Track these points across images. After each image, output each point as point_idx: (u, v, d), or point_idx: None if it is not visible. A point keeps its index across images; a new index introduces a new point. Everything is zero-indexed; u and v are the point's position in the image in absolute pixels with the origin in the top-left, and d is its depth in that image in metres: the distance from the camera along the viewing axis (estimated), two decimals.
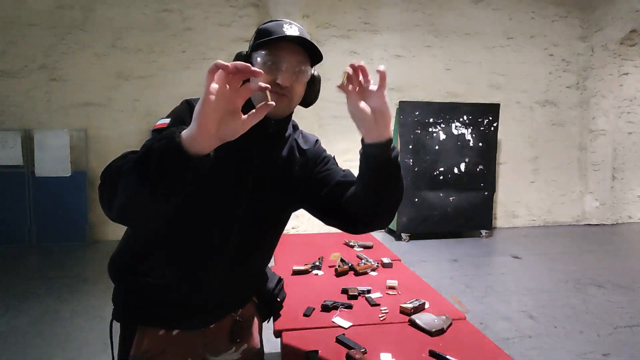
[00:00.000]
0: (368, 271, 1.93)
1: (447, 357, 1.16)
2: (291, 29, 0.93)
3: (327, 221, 1.11)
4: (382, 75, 0.89)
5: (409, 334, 1.33)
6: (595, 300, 3.43)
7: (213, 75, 0.67)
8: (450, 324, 1.38)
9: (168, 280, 1.02)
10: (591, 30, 6.32)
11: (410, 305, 1.47)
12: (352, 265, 1.95)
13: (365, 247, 2.36)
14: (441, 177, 5.40)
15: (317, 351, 1.21)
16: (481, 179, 5.52)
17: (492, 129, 5.53)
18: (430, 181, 5.36)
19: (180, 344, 1.08)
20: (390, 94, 5.05)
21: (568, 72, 6.42)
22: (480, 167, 5.51)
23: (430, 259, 4.63)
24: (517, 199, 6.36)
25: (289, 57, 0.93)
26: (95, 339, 2.68)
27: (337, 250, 2.16)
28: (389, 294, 1.66)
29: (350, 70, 0.90)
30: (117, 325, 1.08)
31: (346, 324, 1.39)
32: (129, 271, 1.04)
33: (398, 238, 5.41)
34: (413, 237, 5.40)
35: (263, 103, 0.71)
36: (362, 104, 0.91)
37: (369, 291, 1.66)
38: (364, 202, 0.99)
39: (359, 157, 0.99)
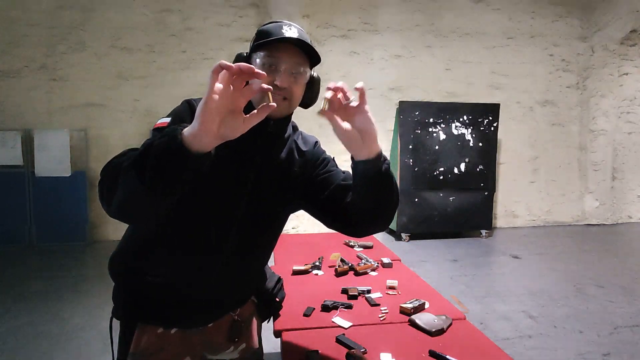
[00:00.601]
0: (368, 271, 1.93)
1: (447, 357, 1.16)
2: (290, 31, 0.94)
3: (327, 223, 1.12)
4: (362, 92, 0.90)
5: (409, 334, 1.33)
6: (595, 300, 3.43)
7: (217, 75, 0.68)
8: (450, 324, 1.38)
9: (167, 279, 1.03)
10: (591, 30, 6.32)
11: (410, 305, 1.47)
12: (352, 265, 1.95)
13: (365, 247, 2.36)
14: (441, 177, 5.39)
15: (317, 351, 1.21)
16: (481, 179, 5.52)
17: (492, 129, 5.53)
18: (430, 181, 5.36)
19: (178, 342, 1.09)
20: (390, 94, 5.08)
21: (568, 72, 6.42)
22: (480, 167, 5.51)
23: (430, 259, 4.63)
24: (517, 199, 6.36)
25: (288, 58, 0.93)
26: (95, 339, 2.68)
27: (337, 250, 2.16)
28: (389, 294, 1.66)
29: (329, 95, 0.90)
30: (117, 323, 1.09)
31: (346, 324, 1.39)
32: (128, 270, 1.05)
33: (398, 238, 5.41)
34: (413, 237, 5.40)
35: (264, 104, 0.72)
36: (346, 125, 0.92)
37: (369, 291, 1.66)
38: (361, 210, 1.01)
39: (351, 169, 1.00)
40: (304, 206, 1.14)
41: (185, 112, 0.96)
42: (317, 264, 2.00)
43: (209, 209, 1.00)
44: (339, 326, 1.38)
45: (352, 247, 2.37)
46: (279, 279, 1.36)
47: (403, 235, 5.37)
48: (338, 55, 5.70)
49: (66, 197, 5.02)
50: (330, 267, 1.99)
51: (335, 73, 5.67)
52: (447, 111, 5.38)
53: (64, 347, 2.60)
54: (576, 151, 6.54)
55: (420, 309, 1.49)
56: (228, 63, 0.67)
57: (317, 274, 1.91)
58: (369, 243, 2.39)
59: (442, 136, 5.38)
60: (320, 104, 1.01)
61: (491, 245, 5.29)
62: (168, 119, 0.94)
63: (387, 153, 5.85)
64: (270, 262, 1.79)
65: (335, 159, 1.19)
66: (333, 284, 1.78)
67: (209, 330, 1.13)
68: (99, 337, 2.70)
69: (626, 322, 3.03)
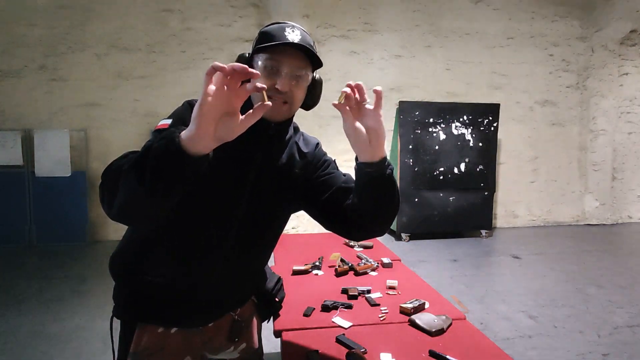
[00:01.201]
0: (368, 271, 1.93)
1: (447, 357, 1.16)
2: (293, 33, 0.94)
3: (327, 225, 1.12)
4: (379, 95, 0.91)
5: (409, 334, 1.33)
6: (595, 300, 3.43)
7: (211, 77, 0.68)
8: (450, 324, 1.38)
9: (167, 279, 1.03)
10: (591, 30, 6.32)
11: (410, 305, 1.47)
12: (352, 265, 1.95)
13: (365, 247, 2.36)
14: (441, 177, 5.39)
15: (317, 351, 1.21)
16: (481, 179, 5.52)
17: (492, 129, 5.53)
18: (430, 181, 5.36)
19: (179, 342, 1.09)
20: (390, 94, 5.08)
21: (568, 72, 6.42)
22: (480, 167, 5.51)
23: (430, 259, 4.63)
24: (517, 199, 6.36)
25: (289, 62, 0.93)
26: (95, 339, 2.68)
27: (337, 250, 2.16)
28: (389, 294, 1.66)
29: (348, 90, 0.91)
30: (117, 323, 1.09)
31: (346, 324, 1.39)
32: (129, 269, 1.05)
33: (398, 238, 5.41)
34: (413, 237, 5.40)
35: (260, 103, 0.71)
36: (357, 124, 0.93)
37: (369, 291, 1.66)
38: (361, 213, 1.02)
39: (354, 160, 1.01)
40: (304, 207, 1.15)
41: (186, 113, 0.96)
42: (317, 264, 2.00)
43: (209, 209, 1.00)
44: (339, 326, 1.38)
45: (352, 247, 2.37)
46: (279, 279, 1.36)
47: (403, 235, 5.37)
48: (338, 55, 5.70)
49: (66, 197, 5.02)
50: (330, 267, 1.99)
51: (335, 73, 5.67)
52: (447, 111, 5.38)
53: (64, 347, 2.60)
54: (576, 151, 6.54)
55: (420, 309, 1.49)
56: (221, 64, 0.67)
57: (317, 274, 1.91)
58: (369, 243, 2.39)
59: (442, 136, 5.38)
60: (324, 103, 1.01)
61: (491, 245, 5.29)
62: (169, 121, 0.95)
63: (387, 153, 5.85)
64: (270, 262, 1.79)
65: (336, 160, 1.19)
66: (333, 284, 1.78)
67: (210, 330, 1.13)
68: (99, 337, 2.70)
69: (626, 322, 3.03)
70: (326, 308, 1.50)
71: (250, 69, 0.68)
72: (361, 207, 1.01)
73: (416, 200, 5.33)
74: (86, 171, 5.13)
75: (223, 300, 1.13)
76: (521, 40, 6.20)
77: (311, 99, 1.06)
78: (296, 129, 1.15)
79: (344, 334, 1.31)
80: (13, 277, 3.93)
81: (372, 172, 0.95)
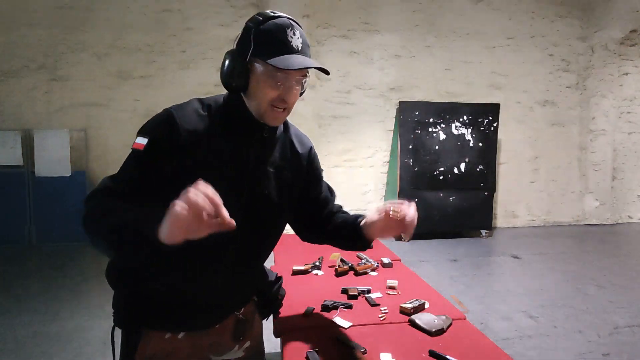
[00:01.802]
0: (368, 271, 1.93)
1: (447, 357, 1.16)
2: (295, 38, 0.94)
3: (293, 225, 1.29)
4: (409, 229, 1.13)
5: (409, 334, 1.33)
6: (595, 300, 3.43)
7: (191, 209, 0.72)
8: (450, 324, 1.38)
9: (172, 285, 1.02)
10: (591, 30, 6.32)
11: (410, 305, 1.47)
12: (352, 265, 1.95)
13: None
14: (441, 177, 5.39)
15: (317, 351, 1.21)
16: (481, 179, 5.52)
17: (492, 129, 5.53)
18: (430, 181, 5.36)
19: (187, 346, 1.08)
20: (390, 94, 5.09)
21: (568, 72, 6.42)
22: (480, 167, 5.51)
23: (430, 259, 4.63)
24: (517, 199, 6.36)
25: (297, 74, 0.94)
26: (95, 339, 2.69)
27: (337, 250, 2.16)
28: (389, 294, 1.66)
29: (397, 216, 1.09)
30: (117, 332, 1.08)
31: (346, 324, 1.39)
32: (129, 277, 1.03)
33: (398, 238, 5.41)
34: (413, 237, 5.37)
35: (222, 223, 0.77)
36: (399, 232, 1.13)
37: (369, 291, 1.66)
38: (327, 238, 1.28)
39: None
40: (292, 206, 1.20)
41: (164, 127, 0.93)
42: (317, 264, 1.99)
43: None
44: (339, 326, 1.38)
45: None
46: (278, 277, 1.36)
47: (403, 235, 5.36)
48: (338, 55, 5.70)
49: (66, 197, 5.01)
50: (330, 267, 1.99)
51: (335, 73, 5.67)
52: (447, 111, 5.38)
53: (64, 347, 2.60)
54: (576, 151, 6.54)
55: (420, 309, 1.49)
56: (201, 203, 0.72)
57: (317, 274, 1.91)
58: None
59: (442, 136, 5.38)
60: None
61: (491, 245, 5.29)
62: (145, 141, 0.93)
63: (387, 153, 5.86)
64: (270, 262, 1.79)
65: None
66: (333, 284, 1.77)
67: (215, 332, 1.13)
68: (99, 337, 2.70)
69: (626, 322, 3.03)
70: (326, 308, 1.49)
71: (228, 221, 0.77)
72: (333, 239, 1.27)
73: (416, 200, 5.30)
74: (86, 171, 5.13)
75: (227, 301, 1.13)
76: (521, 40, 6.20)
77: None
78: (285, 123, 1.15)
79: (344, 334, 1.30)
80: (13, 277, 3.93)
81: (366, 242, 1.19)
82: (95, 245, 0.91)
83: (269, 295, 1.30)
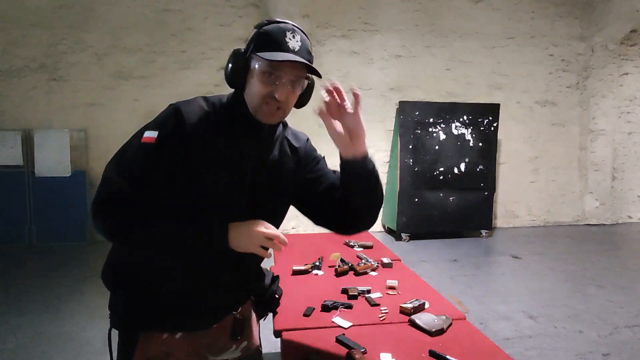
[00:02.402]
0: (368, 271, 1.93)
1: (447, 357, 1.16)
2: (293, 39, 0.95)
3: (316, 220, 1.17)
4: (357, 99, 0.97)
5: (409, 334, 1.33)
6: (595, 300, 3.43)
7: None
8: (450, 324, 1.38)
9: (170, 285, 1.03)
10: (591, 30, 6.32)
11: (410, 305, 1.47)
12: (352, 265, 1.95)
13: (365, 247, 2.36)
14: (441, 177, 5.39)
15: (317, 351, 1.21)
16: (481, 179, 5.52)
17: (492, 129, 5.53)
18: (430, 181, 5.36)
19: (184, 347, 1.08)
20: (390, 94, 5.09)
21: (568, 72, 6.42)
22: (480, 167, 5.51)
23: (430, 259, 4.63)
24: (517, 199, 6.36)
25: (289, 72, 0.95)
26: (95, 339, 2.69)
27: (337, 250, 2.16)
28: (389, 294, 1.66)
29: (326, 98, 0.98)
30: (115, 333, 1.08)
31: (346, 324, 1.39)
32: (126, 278, 1.04)
33: (398, 238, 5.41)
34: (413, 237, 5.40)
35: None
36: (338, 125, 1.00)
37: (369, 291, 1.66)
38: (347, 208, 1.09)
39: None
40: (293, 202, 1.17)
41: (171, 121, 0.96)
42: (317, 264, 2.00)
43: (208, 214, 1.00)
44: (339, 326, 1.38)
45: (352, 247, 2.37)
46: (275, 277, 1.36)
47: (403, 235, 5.37)
48: (338, 55, 5.70)
49: (66, 197, 5.02)
50: (330, 267, 1.99)
51: (335, 73, 5.67)
52: (447, 111, 5.38)
53: (64, 347, 2.60)
54: (576, 151, 6.54)
55: (420, 309, 1.49)
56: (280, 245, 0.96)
57: (317, 274, 1.91)
58: (369, 243, 2.39)
59: (442, 136, 5.38)
60: (312, 105, 1.05)
61: (491, 245, 5.29)
62: (155, 134, 0.95)
63: (387, 153, 5.85)
64: (270, 262, 1.79)
65: (325, 158, 1.23)
66: (333, 284, 1.78)
67: (213, 332, 1.13)
68: (99, 337, 2.70)
69: (626, 322, 3.03)
70: (326, 308, 1.50)
71: (283, 241, 0.97)
72: (347, 202, 1.07)
73: (416, 200, 5.33)
74: (86, 171, 5.13)
75: (225, 302, 1.13)
76: (521, 40, 6.20)
77: (303, 99, 1.08)
78: (284, 124, 1.16)
79: (344, 334, 1.31)
80: (13, 277, 3.93)
81: (355, 168, 1.02)
82: (127, 247, 1.02)
83: (265, 294, 1.29)
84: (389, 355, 1.19)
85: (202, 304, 1.06)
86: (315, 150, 1.20)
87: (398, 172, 5.27)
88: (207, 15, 5.45)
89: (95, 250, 4.87)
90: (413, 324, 1.38)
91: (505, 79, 6.20)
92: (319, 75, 1.00)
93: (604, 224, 6.46)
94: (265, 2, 5.27)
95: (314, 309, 1.50)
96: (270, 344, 2.10)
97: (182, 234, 0.93)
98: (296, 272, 1.91)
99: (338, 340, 1.27)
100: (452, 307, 1.56)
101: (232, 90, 1.04)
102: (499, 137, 5.68)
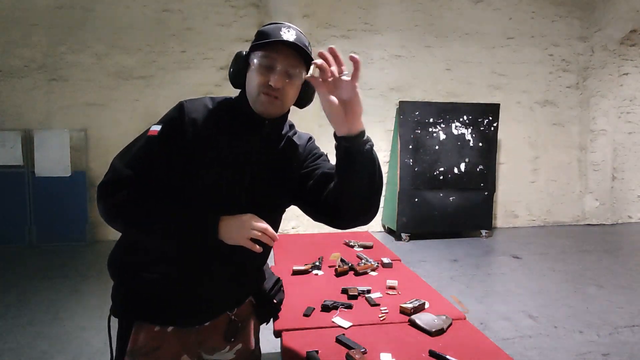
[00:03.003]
0: (368, 271, 1.93)
1: (447, 357, 1.16)
2: (288, 33, 0.97)
3: (313, 215, 1.11)
4: (357, 64, 0.90)
5: (409, 334, 1.33)
6: (595, 300, 3.43)
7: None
8: (450, 324, 1.38)
9: (164, 276, 1.04)
10: (591, 30, 6.32)
11: (410, 305, 1.47)
12: (352, 265, 1.95)
13: (365, 247, 2.36)
14: (441, 177, 5.39)
15: (317, 351, 1.21)
16: (481, 179, 5.52)
17: (492, 129, 5.53)
18: (430, 181, 5.36)
19: (175, 341, 1.09)
20: (390, 94, 5.08)
21: (568, 72, 6.42)
22: (480, 167, 5.51)
23: (430, 259, 4.63)
24: (517, 199, 6.36)
25: (283, 60, 0.96)
26: (95, 339, 2.69)
27: (337, 250, 2.16)
28: (389, 294, 1.66)
29: (319, 61, 0.90)
30: (115, 322, 1.10)
31: (346, 324, 1.39)
32: (126, 266, 1.06)
33: (398, 238, 5.41)
34: (413, 237, 5.40)
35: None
36: (332, 97, 0.92)
37: (369, 291, 1.66)
38: (342, 194, 0.98)
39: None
40: (293, 200, 1.14)
41: (177, 117, 1.01)
42: (317, 264, 2.00)
43: (207, 208, 1.00)
44: (339, 326, 1.38)
45: (352, 247, 2.37)
46: (278, 280, 1.35)
47: (403, 235, 5.37)
48: None
49: (66, 197, 5.02)
50: (330, 267, 1.99)
51: None
52: (447, 111, 5.38)
53: (64, 347, 2.60)
54: (576, 151, 6.54)
55: (420, 309, 1.49)
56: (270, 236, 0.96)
57: (317, 274, 1.91)
58: (369, 243, 2.40)
59: (442, 136, 5.38)
60: (313, 105, 1.04)
61: (491, 245, 5.29)
62: (158, 127, 1.01)
63: (387, 153, 5.85)
64: (270, 262, 1.79)
65: (328, 155, 1.19)
66: (333, 284, 1.78)
67: (206, 330, 1.13)
68: (99, 337, 2.70)
69: (626, 322, 3.03)
70: (326, 308, 1.50)
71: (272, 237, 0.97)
72: (343, 188, 0.98)
73: (416, 200, 5.33)
74: (86, 171, 5.13)
75: (220, 299, 1.13)
76: (521, 40, 6.20)
77: (305, 97, 1.08)
78: (291, 126, 1.17)
79: (344, 334, 1.31)
80: (13, 277, 3.93)
81: (350, 146, 0.93)
82: (123, 228, 1.01)
83: (266, 298, 1.28)
84: (389, 355, 1.19)
85: (193, 297, 1.06)
86: (316, 147, 1.18)
87: (398, 172, 5.27)
88: (207, 15, 5.45)
89: (95, 250, 4.87)
90: (413, 324, 1.38)
91: (505, 79, 6.20)
92: (311, 59, 0.99)
93: (604, 224, 6.46)
94: (265, 2, 5.27)
95: (314, 309, 1.50)
96: (270, 344, 2.10)
97: (174, 220, 0.95)
98: (296, 272, 1.91)
99: (338, 340, 1.27)
100: (452, 307, 1.56)
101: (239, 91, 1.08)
102: (499, 137, 5.68)
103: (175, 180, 0.99)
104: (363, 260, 2.03)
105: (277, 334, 1.37)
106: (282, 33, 0.96)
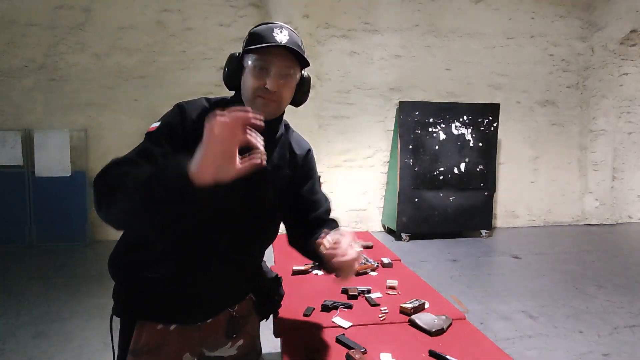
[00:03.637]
0: (368, 271, 1.93)
1: (447, 357, 1.16)
2: (281, 34, 0.98)
3: (285, 226, 1.28)
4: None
5: (409, 334, 1.33)
6: (595, 300, 3.43)
7: (217, 130, 0.74)
8: (450, 324, 1.38)
9: (165, 275, 1.04)
10: (591, 30, 6.32)
11: (410, 305, 1.47)
12: None
13: (365, 247, 2.36)
14: (441, 177, 5.39)
15: (317, 351, 1.21)
16: (481, 179, 5.52)
17: (492, 129, 5.53)
18: (430, 181, 5.36)
19: (177, 339, 1.09)
20: (390, 94, 5.10)
21: (568, 72, 6.42)
22: (480, 167, 5.51)
23: (430, 259, 4.63)
24: (517, 199, 6.36)
25: (278, 62, 0.97)
26: (95, 339, 2.69)
27: None
28: (389, 294, 1.66)
29: (325, 248, 1.01)
30: (116, 321, 1.10)
31: (346, 324, 1.39)
32: (127, 266, 1.06)
33: (398, 238, 5.41)
34: (413, 237, 5.40)
35: (254, 158, 0.79)
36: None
37: (369, 291, 1.66)
38: (300, 244, 1.26)
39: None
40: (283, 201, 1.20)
41: (175, 117, 1.00)
42: (317, 264, 1.99)
43: (203, 209, 1.01)
44: (339, 326, 1.38)
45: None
46: (277, 277, 1.36)
47: (403, 235, 5.37)
48: (338, 55, 5.70)
49: (66, 197, 5.02)
50: None
51: (335, 73, 5.67)
52: (447, 111, 5.38)
53: (64, 347, 2.60)
54: (576, 151, 6.54)
55: (420, 309, 1.49)
56: (224, 119, 0.74)
57: (317, 274, 1.91)
58: (369, 243, 2.39)
59: (442, 136, 5.38)
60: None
61: (491, 245, 5.29)
62: (157, 124, 1.00)
63: (387, 153, 5.86)
64: (270, 262, 1.79)
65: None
66: (333, 284, 1.77)
67: (207, 327, 1.14)
68: (99, 337, 2.70)
69: (626, 322, 3.03)
70: (326, 308, 1.49)
71: (252, 115, 0.76)
72: (303, 247, 1.25)
73: (416, 200, 5.33)
74: (86, 171, 5.13)
75: (220, 297, 1.14)
76: (521, 40, 6.20)
77: (300, 96, 1.10)
78: (287, 127, 1.18)
79: (344, 334, 1.30)
80: (13, 277, 3.93)
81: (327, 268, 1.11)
82: (117, 218, 0.89)
83: (266, 294, 1.30)
84: (389, 355, 1.19)
85: (195, 296, 1.07)
86: (314, 164, 1.23)
87: (398, 172, 5.27)
88: (207, 15, 5.45)
89: (95, 250, 4.87)
90: (413, 324, 1.38)
91: (505, 79, 6.20)
92: (308, 64, 1.02)
93: (604, 224, 6.46)
94: (265, 2, 5.27)
95: (314, 309, 1.50)
96: (270, 344, 2.10)
97: (149, 174, 0.82)
98: (296, 272, 1.91)
99: (338, 340, 1.27)
100: (452, 307, 1.56)
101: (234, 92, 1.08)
102: (499, 137, 5.68)
103: None
104: (363, 260, 2.03)
105: (277, 334, 1.37)
106: (275, 34, 0.97)
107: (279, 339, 1.36)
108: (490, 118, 5.50)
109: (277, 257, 2.16)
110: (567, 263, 4.49)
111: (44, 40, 5.15)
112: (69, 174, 4.97)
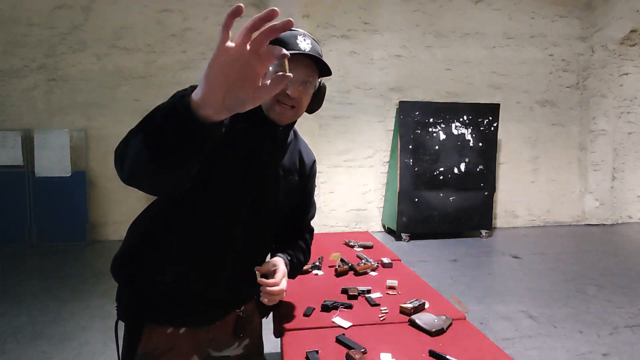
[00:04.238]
0: (368, 271, 1.93)
1: (447, 357, 1.16)
2: (304, 42, 0.99)
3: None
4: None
5: (409, 334, 1.33)
6: (595, 300, 3.43)
7: (228, 31, 0.54)
8: (450, 324, 1.38)
9: (176, 278, 1.04)
10: (591, 30, 6.32)
11: (410, 305, 1.47)
12: (352, 265, 1.95)
13: (365, 247, 2.36)
14: (441, 177, 5.39)
15: (317, 351, 1.21)
16: (481, 179, 5.52)
17: (492, 129, 5.53)
18: (430, 181, 5.36)
19: (187, 341, 1.10)
20: (390, 94, 5.09)
21: (568, 72, 6.42)
22: (480, 167, 5.51)
23: (430, 259, 4.63)
24: (517, 199, 6.36)
25: (300, 69, 0.98)
26: (95, 339, 2.68)
27: (337, 250, 2.16)
28: (389, 294, 1.66)
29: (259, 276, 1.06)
30: (121, 325, 1.09)
31: (346, 324, 1.39)
32: (135, 270, 1.05)
33: (398, 238, 5.40)
34: (413, 237, 5.39)
35: (280, 74, 0.56)
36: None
37: (369, 291, 1.66)
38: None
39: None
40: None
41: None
42: (317, 264, 1.99)
43: (216, 208, 1.02)
44: (339, 326, 1.38)
45: (352, 247, 2.37)
46: None
47: (403, 235, 5.37)
48: (338, 55, 5.70)
49: (66, 197, 5.02)
50: (330, 267, 1.99)
51: (335, 73, 5.66)
52: (447, 111, 5.38)
53: (64, 347, 2.60)
54: (576, 151, 6.54)
55: (420, 309, 1.49)
56: (242, 8, 0.54)
57: (317, 274, 1.91)
58: (369, 243, 2.39)
59: (442, 136, 5.38)
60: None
61: (491, 245, 5.29)
62: None
63: (387, 153, 5.86)
64: None
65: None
66: (333, 284, 1.77)
67: (216, 328, 1.15)
68: (99, 337, 2.70)
69: (626, 322, 3.03)
70: (326, 308, 1.49)
71: (282, 20, 0.53)
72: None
73: (416, 200, 5.33)
74: (86, 171, 5.13)
75: (230, 298, 1.15)
76: (521, 40, 6.20)
77: (315, 103, 1.10)
78: (296, 134, 1.20)
79: (344, 334, 1.30)
80: (13, 277, 3.93)
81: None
82: (122, 164, 0.76)
83: None
84: (389, 355, 1.19)
85: (205, 299, 1.07)
86: (315, 176, 1.28)
87: (398, 172, 5.27)
88: (207, 15, 5.45)
89: (95, 250, 4.87)
90: (413, 324, 1.37)
91: (505, 79, 6.20)
92: (330, 73, 1.04)
93: (604, 224, 6.46)
94: (265, 2, 5.27)
95: (314, 309, 1.50)
96: (270, 344, 2.10)
97: (154, 113, 0.71)
98: None
99: (338, 340, 1.27)
100: (452, 307, 1.56)
101: None
102: (499, 137, 5.68)
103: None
104: (363, 260, 2.03)
105: (277, 333, 1.38)
106: (299, 42, 0.97)
107: (279, 339, 1.36)
108: (490, 118, 5.50)
109: None
110: (567, 263, 4.49)
111: (44, 40, 5.15)
112: (69, 174, 4.97)
